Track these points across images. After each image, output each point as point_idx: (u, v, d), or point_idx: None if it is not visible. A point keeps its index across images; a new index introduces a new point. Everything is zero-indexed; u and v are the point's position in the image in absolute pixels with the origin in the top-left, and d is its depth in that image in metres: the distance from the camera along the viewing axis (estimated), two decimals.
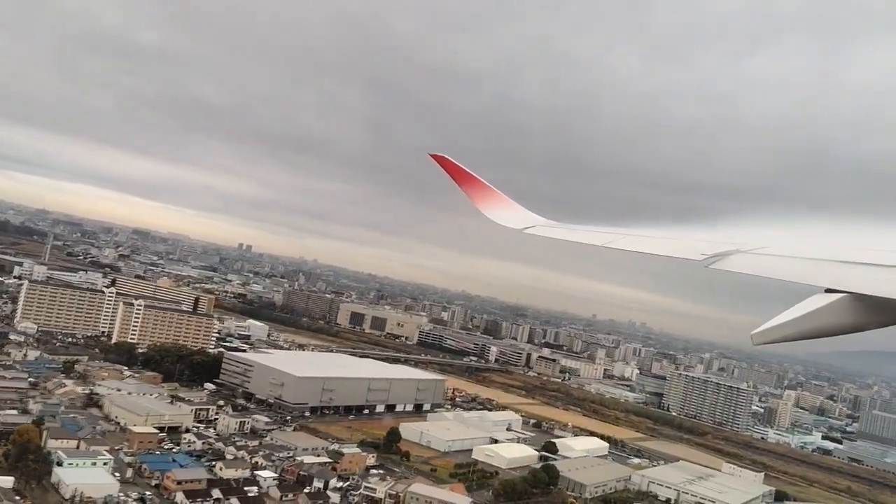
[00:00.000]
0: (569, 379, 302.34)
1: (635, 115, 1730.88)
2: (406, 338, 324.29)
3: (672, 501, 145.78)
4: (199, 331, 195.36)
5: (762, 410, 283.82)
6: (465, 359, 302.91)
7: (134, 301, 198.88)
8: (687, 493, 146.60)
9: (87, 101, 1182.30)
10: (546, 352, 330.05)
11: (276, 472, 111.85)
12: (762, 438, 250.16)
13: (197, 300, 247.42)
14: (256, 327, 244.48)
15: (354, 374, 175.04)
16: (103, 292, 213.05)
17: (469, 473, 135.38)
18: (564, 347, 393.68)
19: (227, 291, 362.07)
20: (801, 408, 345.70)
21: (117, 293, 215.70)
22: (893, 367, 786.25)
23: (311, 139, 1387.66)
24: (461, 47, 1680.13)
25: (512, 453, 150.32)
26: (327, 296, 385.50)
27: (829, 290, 9.21)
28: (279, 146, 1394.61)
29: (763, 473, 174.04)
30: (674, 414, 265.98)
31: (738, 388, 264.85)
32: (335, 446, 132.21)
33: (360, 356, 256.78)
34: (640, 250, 14.90)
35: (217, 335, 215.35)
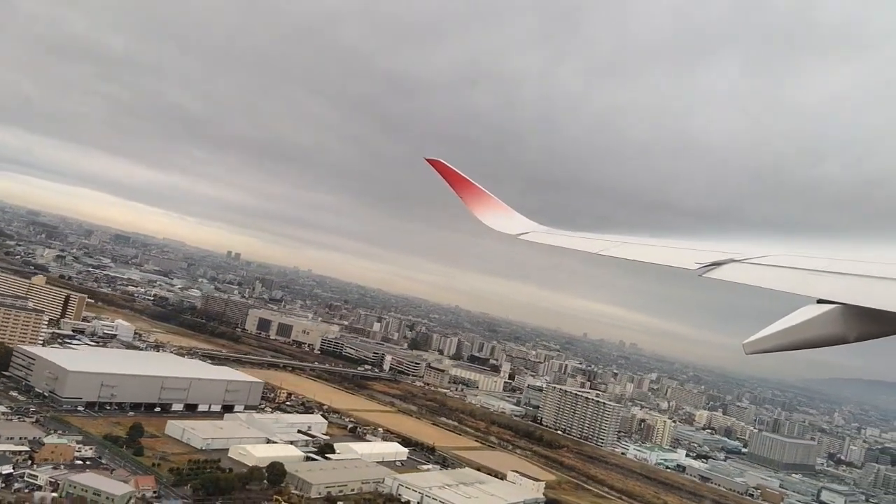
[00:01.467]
0: (461, 390, 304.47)
1: (591, 132, 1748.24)
2: (310, 345, 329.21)
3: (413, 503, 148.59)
4: (28, 326, 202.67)
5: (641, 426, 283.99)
6: (360, 367, 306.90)
7: None
8: (430, 497, 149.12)
9: (62, 104, 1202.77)
10: (447, 363, 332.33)
11: None
12: (622, 454, 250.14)
13: (67, 299, 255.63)
14: (123, 327, 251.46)
15: (147, 372, 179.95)
16: None
17: (199, 468, 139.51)
18: (491, 361, 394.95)
19: (152, 295, 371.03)
20: (711, 428, 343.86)
21: None
22: (883, 396, 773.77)
23: (288, 148, 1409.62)
24: (413, 58, 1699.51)
25: (267, 453, 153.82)
26: (248, 302, 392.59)
27: (820, 301, 9.40)
28: (258, 155, 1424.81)
29: (543, 482, 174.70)
30: (546, 426, 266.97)
31: (605, 403, 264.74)
32: (53, 437, 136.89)
33: (242, 361, 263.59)
34: (634, 258, 15.03)
35: (58, 332, 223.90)
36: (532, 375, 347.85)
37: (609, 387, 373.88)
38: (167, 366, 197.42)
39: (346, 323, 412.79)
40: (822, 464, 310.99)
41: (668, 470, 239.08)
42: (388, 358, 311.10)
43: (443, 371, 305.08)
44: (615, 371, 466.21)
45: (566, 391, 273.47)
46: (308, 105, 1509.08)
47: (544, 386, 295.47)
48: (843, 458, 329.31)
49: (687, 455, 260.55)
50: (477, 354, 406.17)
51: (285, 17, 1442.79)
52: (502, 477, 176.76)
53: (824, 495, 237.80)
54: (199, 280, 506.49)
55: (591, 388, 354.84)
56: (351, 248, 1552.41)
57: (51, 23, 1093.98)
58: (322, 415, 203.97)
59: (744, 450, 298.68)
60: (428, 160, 23.15)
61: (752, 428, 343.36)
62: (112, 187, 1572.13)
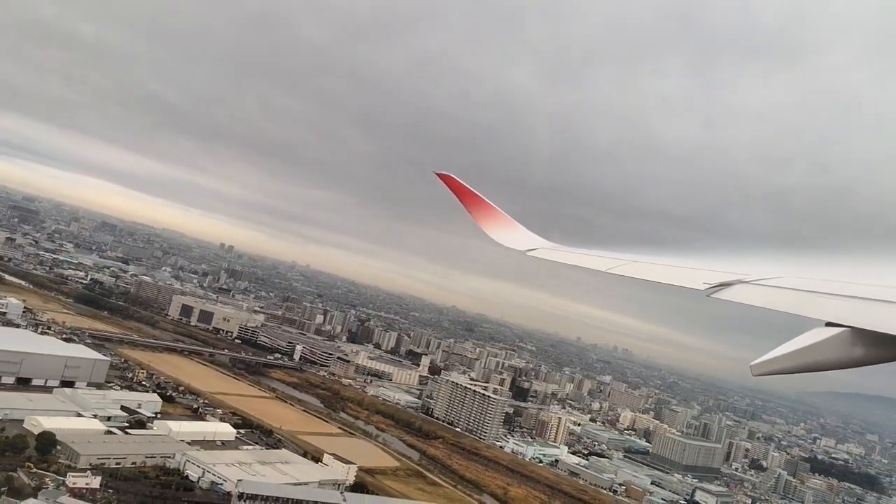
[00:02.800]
0: (368, 381, 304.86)
1: (550, 133, 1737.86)
2: (228, 332, 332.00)
3: (194, 478, 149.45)
4: None
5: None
6: (271, 356, 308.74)
7: None
8: (212, 472, 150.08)
9: (49, 89, 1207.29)
10: (364, 356, 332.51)
11: None
12: (500, 447, 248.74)
13: None
14: (13, 305, 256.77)
15: None
16: None
17: None
18: (424, 355, 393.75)
19: (88, 280, 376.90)
20: (633, 429, 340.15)
21: None
22: (878, 411, 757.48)
23: (270, 142, 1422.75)
24: (369, 55, 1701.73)
25: (60, 424, 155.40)
26: (183, 288, 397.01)
27: (829, 324, 9.29)
28: (244, 148, 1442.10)
29: (356, 466, 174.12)
30: (436, 418, 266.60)
31: (490, 396, 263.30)
32: None
33: (135, 343, 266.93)
34: (642, 277, 15.13)
35: None
36: (463, 372, 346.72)
37: (537, 385, 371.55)
38: (12, 341, 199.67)
39: (278, 313, 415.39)
40: (737, 468, 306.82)
41: (540, 464, 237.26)
42: (300, 348, 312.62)
43: (348, 362, 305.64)
44: (569, 371, 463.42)
45: (457, 385, 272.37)
46: (280, 99, 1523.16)
47: (438, 379, 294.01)
48: (764, 464, 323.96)
49: (575, 452, 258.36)
50: (415, 350, 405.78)
51: (247, 10, 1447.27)
52: (318, 460, 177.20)
53: (698, 495, 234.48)
54: (163, 269, 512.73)
55: (517, 386, 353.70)
56: (351, 245, 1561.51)
57: (21, 8, 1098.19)
58: (169, 395, 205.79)
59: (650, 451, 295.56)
60: (438, 174, 23.47)
61: (676, 431, 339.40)
62: (113, 176, 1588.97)
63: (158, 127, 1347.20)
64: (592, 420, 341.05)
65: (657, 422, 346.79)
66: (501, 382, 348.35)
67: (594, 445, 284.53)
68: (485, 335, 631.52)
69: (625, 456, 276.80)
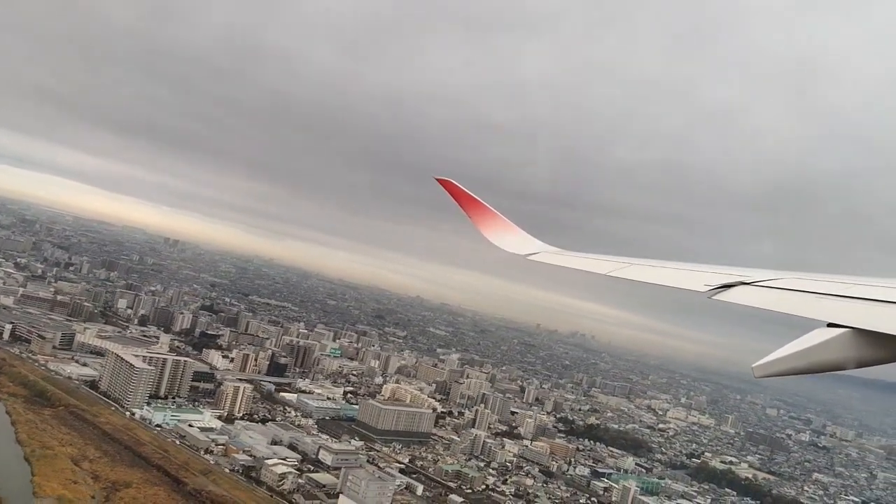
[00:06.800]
0: (74, 358, 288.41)
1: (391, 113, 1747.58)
2: None
3: None
4: None
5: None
6: None
7: None
8: None
9: None
10: (89, 333, 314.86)
11: None
12: (132, 415, 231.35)
13: None
14: None
15: None
16: None
17: None
18: (219, 341, 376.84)
19: None
20: (398, 399, 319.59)
21: None
22: (862, 395, 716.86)
23: (199, 136, 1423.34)
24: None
25: None
26: None
27: (831, 325, 9.07)
28: (174, 141, 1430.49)
29: None
30: (92, 389, 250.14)
31: (135, 366, 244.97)
32: None
33: None
34: (643, 280, 15.18)
35: None
36: (223, 352, 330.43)
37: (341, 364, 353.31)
38: None
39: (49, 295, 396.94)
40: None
41: (158, 429, 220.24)
42: (9, 326, 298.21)
43: (44, 339, 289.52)
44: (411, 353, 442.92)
45: (116, 355, 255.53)
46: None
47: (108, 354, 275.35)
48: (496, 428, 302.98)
49: (231, 420, 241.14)
50: (210, 332, 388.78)
51: None
52: None
53: (321, 454, 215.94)
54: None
55: (275, 363, 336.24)
56: (314, 238, 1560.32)
57: None
58: None
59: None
60: (438, 179, 22.96)
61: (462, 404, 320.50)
62: (67, 173, 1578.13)
63: (67, 120, 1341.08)
64: (353, 393, 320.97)
65: (422, 394, 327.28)
66: (270, 359, 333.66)
67: (295, 416, 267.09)
68: (398, 322, 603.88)
69: (317, 422, 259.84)
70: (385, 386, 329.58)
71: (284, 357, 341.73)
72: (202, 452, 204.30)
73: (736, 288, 12.04)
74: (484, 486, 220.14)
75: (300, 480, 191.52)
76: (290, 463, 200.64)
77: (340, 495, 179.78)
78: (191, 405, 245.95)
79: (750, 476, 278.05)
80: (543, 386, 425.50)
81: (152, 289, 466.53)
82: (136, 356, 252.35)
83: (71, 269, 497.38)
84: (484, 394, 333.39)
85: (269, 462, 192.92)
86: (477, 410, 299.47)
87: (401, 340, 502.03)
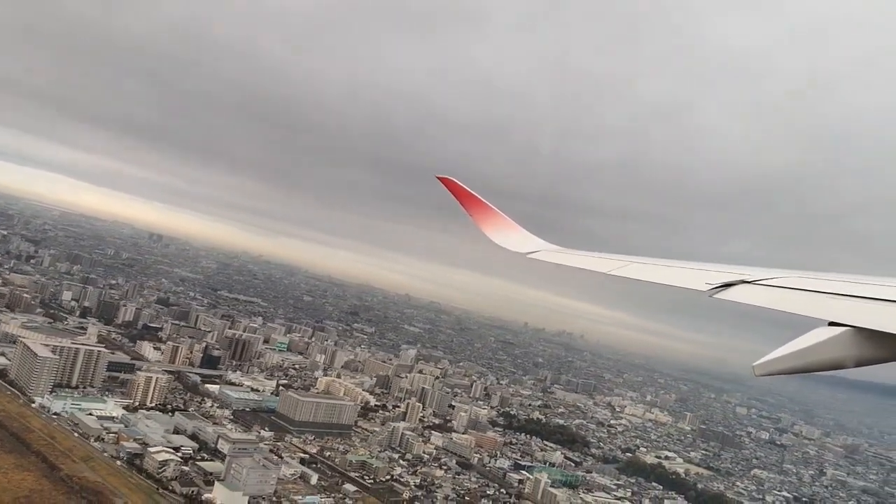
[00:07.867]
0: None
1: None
2: None
3: None
4: None
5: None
6: None
7: None
8: None
9: None
10: (14, 325, 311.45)
11: None
12: (30, 402, 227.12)
13: None
14: None
15: None
16: None
17: None
18: (160, 333, 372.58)
19: None
20: (329, 393, 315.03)
21: None
22: (842, 395, 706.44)
23: (178, 129, 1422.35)
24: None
25: None
26: None
27: (832, 324, 8.96)
28: (153, 136, 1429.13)
29: None
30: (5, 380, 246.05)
31: (39, 356, 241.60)
32: None
33: None
34: (644, 278, 15.07)
35: None
36: (156, 344, 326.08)
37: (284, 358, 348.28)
38: None
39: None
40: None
41: (55, 417, 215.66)
42: None
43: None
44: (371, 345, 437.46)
45: (24, 344, 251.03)
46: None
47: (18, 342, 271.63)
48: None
49: (135, 409, 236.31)
50: (152, 325, 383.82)
51: None
52: None
53: (220, 443, 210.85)
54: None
55: (209, 355, 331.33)
56: (313, 238, 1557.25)
57: None
58: None
59: None
60: (439, 178, 23.02)
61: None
62: (60, 169, 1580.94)
63: (57, 116, 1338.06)
64: (287, 386, 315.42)
65: (358, 388, 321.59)
66: (204, 351, 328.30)
67: (211, 406, 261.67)
68: (371, 319, 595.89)
69: (233, 413, 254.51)
70: (320, 379, 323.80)
71: (218, 350, 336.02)
72: (92, 440, 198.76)
73: (737, 286, 11.98)
74: (388, 477, 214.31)
75: (184, 468, 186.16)
76: (184, 451, 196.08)
77: (216, 482, 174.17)
78: (99, 395, 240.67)
79: (681, 471, 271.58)
80: (500, 382, 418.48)
81: (112, 282, 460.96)
82: (46, 346, 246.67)
83: (31, 261, 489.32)
84: (423, 388, 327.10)
85: (152, 450, 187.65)
86: (408, 403, 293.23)
87: (366, 336, 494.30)
